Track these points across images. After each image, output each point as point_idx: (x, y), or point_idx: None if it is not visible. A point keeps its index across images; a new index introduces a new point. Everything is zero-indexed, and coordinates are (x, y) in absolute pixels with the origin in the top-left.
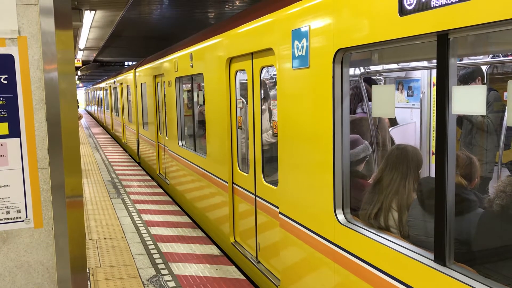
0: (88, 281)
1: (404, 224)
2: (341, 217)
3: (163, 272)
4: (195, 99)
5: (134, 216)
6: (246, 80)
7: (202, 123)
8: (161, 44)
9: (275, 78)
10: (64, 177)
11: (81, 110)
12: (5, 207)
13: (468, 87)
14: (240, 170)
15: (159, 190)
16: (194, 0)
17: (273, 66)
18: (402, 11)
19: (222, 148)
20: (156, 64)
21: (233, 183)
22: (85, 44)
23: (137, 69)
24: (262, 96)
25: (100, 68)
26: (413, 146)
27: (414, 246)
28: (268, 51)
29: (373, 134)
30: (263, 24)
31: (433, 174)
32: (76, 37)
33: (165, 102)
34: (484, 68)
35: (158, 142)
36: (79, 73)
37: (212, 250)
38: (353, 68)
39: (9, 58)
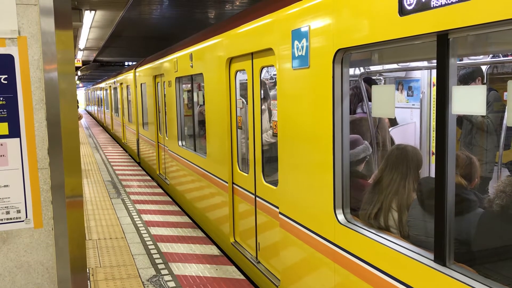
0: (88, 281)
1: (404, 224)
2: (341, 217)
3: (163, 272)
4: (195, 99)
5: (134, 216)
6: (246, 80)
7: (202, 123)
8: (161, 44)
9: (275, 78)
10: (64, 177)
11: (81, 110)
12: (5, 207)
13: (468, 87)
14: (240, 170)
15: (159, 190)
16: (194, 0)
17: (273, 66)
18: (402, 11)
19: (222, 148)
20: (156, 64)
21: (233, 183)
22: (85, 44)
23: (137, 69)
24: (262, 96)
25: (100, 68)
26: (413, 146)
27: (414, 246)
28: (268, 51)
29: (373, 134)
30: (263, 24)
31: (433, 174)
32: (76, 37)
33: (165, 102)
34: (484, 68)
35: (158, 142)
36: (79, 73)
37: (212, 250)
38: (353, 68)
39: (9, 58)
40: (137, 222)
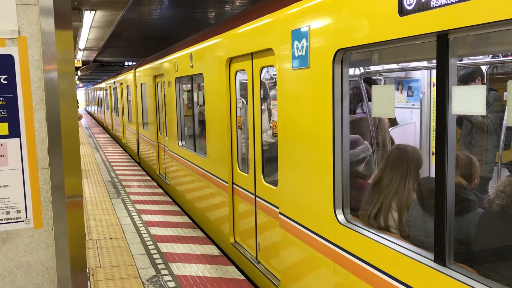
0: (88, 281)
1: (404, 224)
2: (341, 217)
3: (163, 272)
4: (195, 99)
5: (134, 216)
6: (246, 80)
7: (202, 123)
8: (161, 44)
9: (275, 78)
10: (64, 177)
11: (81, 110)
12: (5, 207)
13: (468, 87)
14: (240, 170)
15: (159, 190)
16: (194, 0)
17: (273, 66)
18: (402, 11)
19: (222, 148)
20: (156, 64)
21: (233, 183)
22: (85, 44)
23: (137, 69)
24: (262, 96)
25: (100, 68)
26: (413, 146)
27: (414, 246)
28: (268, 51)
29: (373, 134)
30: (263, 24)
31: (433, 174)
32: (76, 37)
33: (165, 102)
34: (484, 68)
35: (158, 142)
36: (79, 73)
37: (212, 250)
38: (353, 68)
39: (9, 58)
40: (137, 222)
